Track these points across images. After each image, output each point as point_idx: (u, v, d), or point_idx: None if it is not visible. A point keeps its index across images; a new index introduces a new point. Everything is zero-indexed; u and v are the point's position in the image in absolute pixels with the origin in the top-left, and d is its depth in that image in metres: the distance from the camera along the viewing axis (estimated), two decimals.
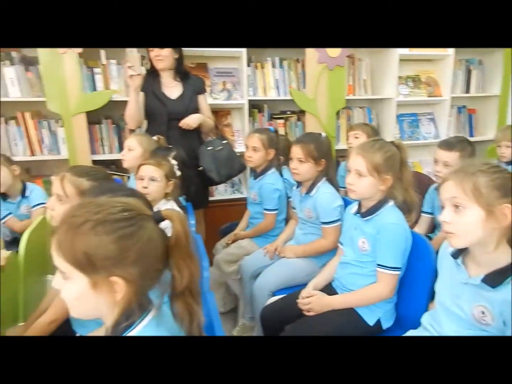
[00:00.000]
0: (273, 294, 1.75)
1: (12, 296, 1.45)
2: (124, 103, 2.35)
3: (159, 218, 0.72)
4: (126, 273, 0.66)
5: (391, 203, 1.39)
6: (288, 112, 2.98)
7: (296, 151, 1.73)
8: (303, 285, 1.58)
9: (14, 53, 2.38)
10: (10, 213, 2.00)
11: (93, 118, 2.55)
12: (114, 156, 2.60)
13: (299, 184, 1.87)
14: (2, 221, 1.91)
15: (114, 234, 0.65)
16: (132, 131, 2.49)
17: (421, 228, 1.94)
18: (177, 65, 2.20)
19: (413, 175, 1.46)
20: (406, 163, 1.44)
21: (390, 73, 2.98)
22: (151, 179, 1.65)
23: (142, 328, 0.69)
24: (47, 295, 1.46)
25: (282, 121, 2.94)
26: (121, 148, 2.58)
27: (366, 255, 1.40)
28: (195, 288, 0.74)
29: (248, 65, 2.72)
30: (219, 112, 2.87)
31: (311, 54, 2.70)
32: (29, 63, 2.43)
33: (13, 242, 1.82)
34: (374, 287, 1.37)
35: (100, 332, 1.18)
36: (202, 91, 2.33)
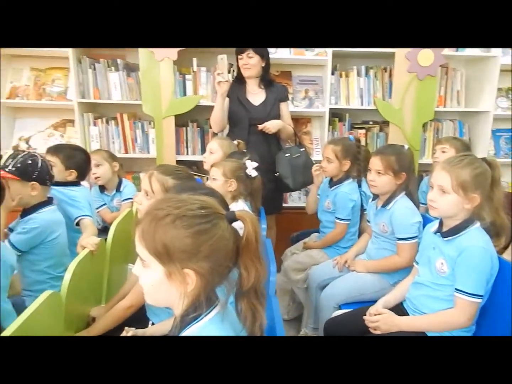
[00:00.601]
0: (339, 307, 1.71)
1: (97, 279, 1.61)
2: (209, 108, 2.48)
3: (232, 218, 0.75)
4: (198, 266, 0.70)
5: (477, 224, 1.28)
6: (370, 122, 2.89)
7: (375, 163, 1.68)
8: (371, 302, 1.52)
9: (119, 60, 2.65)
10: (104, 204, 2.22)
11: (181, 121, 2.73)
12: (196, 157, 2.75)
13: (375, 196, 1.80)
14: (97, 210, 2.12)
15: (191, 229, 0.69)
16: (215, 134, 2.62)
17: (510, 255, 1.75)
18: (263, 73, 2.27)
19: (506, 195, 1.34)
20: (499, 182, 1.32)
21: (489, 84, 2.74)
22: (212, 178, 1.72)
23: (207, 321, 0.73)
24: (127, 282, 1.59)
25: (363, 131, 2.86)
26: (203, 150, 2.72)
27: (444, 278, 1.30)
28: (260, 290, 0.76)
29: (332, 74, 2.70)
30: (299, 120, 2.88)
31: (401, 63, 2.60)
32: (131, 69, 2.68)
33: (102, 231, 2.01)
34: (450, 313, 1.27)
35: (170, 322, 1.26)
36: (285, 98, 2.37)
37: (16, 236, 1.42)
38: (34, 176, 1.45)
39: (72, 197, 1.75)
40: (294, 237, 2.42)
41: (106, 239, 1.63)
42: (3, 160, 1.45)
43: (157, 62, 2.50)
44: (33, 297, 1.48)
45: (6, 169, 1.40)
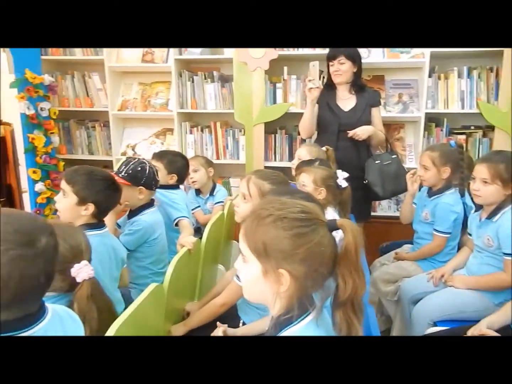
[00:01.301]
0: (434, 324, 1.59)
1: (192, 277, 1.72)
2: (298, 115, 2.51)
3: (332, 226, 0.75)
4: (293, 268, 0.72)
5: None
6: (472, 127, 2.67)
7: (481, 171, 1.54)
8: (471, 321, 1.40)
9: (215, 72, 2.81)
10: (198, 206, 2.37)
11: (270, 128, 2.80)
12: (284, 164, 2.79)
13: (478, 207, 1.66)
14: (192, 211, 2.27)
15: (290, 230, 0.72)
16: (303, 141, 2.64)
17: None
18: (354, 78, 2.23)
19: None
20: None
21: None
22: (302, 185, 1.71)
23: (303, 326, 0.74)
24: (220, 281, 1.68)
25: (463, 136, 2.64)
26: (290, 156, 2.76)
27: None
28: (357, 302, 0.75)
29: (430, 76, 2.55)
30: (391, 125, 2.77)
31: (510, 61, 2.36)
32: (225, 80, 2.83)
33: (195, 231, 2.15)
34: None
35: (261, 322, 1.31)
36: (376, 103, 2.30)
37: (124, 237, 1.58)
38: (142, 182, 1.61)
39: (173, 200, 1.90)
40: (384, 247, 2.32)
41: (200, 239, 1.73)
42: (117, 166, 1.63)
43: (250, 72, 2.61)
44: (137, 290, 1.64)
45: (120, 175, 1.58)
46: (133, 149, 3.00)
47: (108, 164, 3.04)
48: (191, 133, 2.92)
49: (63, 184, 1.33)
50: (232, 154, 2.90)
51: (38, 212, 2.57)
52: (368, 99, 2.27)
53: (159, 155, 2.01)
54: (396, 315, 1.95)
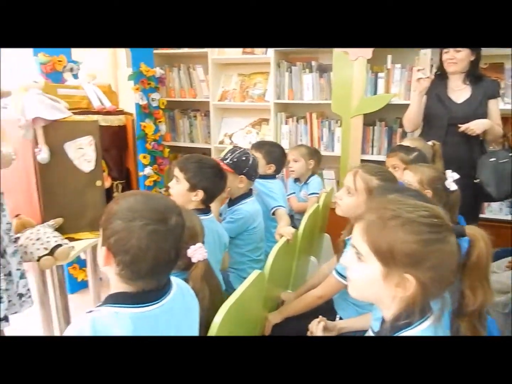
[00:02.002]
0: None
1: (287, 266, 1.75)
2: (400, 106, 2.38)
3: (461, 233, 0.71)
4: (420, 274, 0.69)
5: None
6: None
7: None
8: None
9: (314, 62, 2.78)
10: (293, 193, 2.39)
11: (369, 120, 2.70)
12: (381, 157, 2.67)
13: None
14: (288, 196, 2.30)
15: (420, 236, 0.69)
16: (404, 134, 2.50)
17: None
18: (471, 67, 2.04)
19: None
20: None
21: None
22: (407, 184, 1.61)
23: (421, 331, 0.71)
24: (316, 273, 1.68)
25: None
26: (389, 150, 2.63)
27: None
28: (483, 312, 0.71)
29: None
30: (509, 119, 2.48)
31: None
32: (323, 70, 2.78)
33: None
34: None
35: (361, 319, 1.28)
36: (495, 95, 2.08)
37: (226, 224, 1.65)
38: (245, 171, 1.66)
39: (270, 189, 1.94)
40: (493, 253, 2.11)
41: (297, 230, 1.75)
42: (223, 153, 1.71)
43: (350, 61, 2.53)
44: (235, 274, 1.72)
45: (225, 161, 1.65)
46: (230, 138, 3.11)
47: (206, 152, 3.21)
48: (286, 123, 2.94)
49: (176, 171, 1.43)
50: (327, 145, 2.86)
51: None
52: (486, 90, 2.06)
53: (257, 145, 2.06)
54: (505, 329, 1.77)
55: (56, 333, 1.80)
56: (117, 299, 0.78)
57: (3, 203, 1.28)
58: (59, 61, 2.06)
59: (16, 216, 1.53)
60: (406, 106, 2.22)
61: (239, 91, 3.05)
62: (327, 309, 1.41)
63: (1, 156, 1.19)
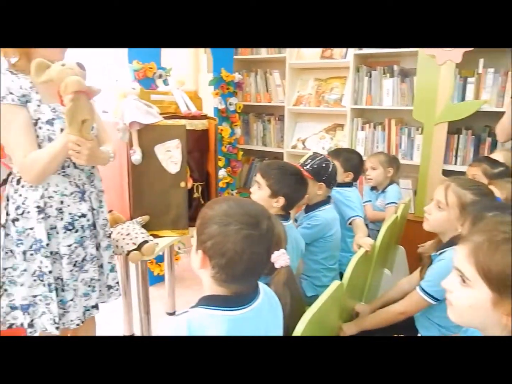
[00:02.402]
0: None
1: (362, 278, 1.70)
2: (490, 114, 2.21)
3: None
4: None
5: None
6: None
7: None
8: None
9: (395, 66, 2.68)
10: (369, 201, 2.32)
11: (453, 127, 2.54)
12: (465, 168, 2.49)
13: None
14: (364, 204, 2.24)
15: None
16: (493, 145, 2.31)
17: None
18: None
19: None
20: None
21: None
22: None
23: None
24: (394, 287, 1.62)
25: None
26: None
27: None
28: None
29: None
30: None
31: None
32: (405, 75, 2.67)
33: None
34: None
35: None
36: None
37: (302, 230, 1.65)
38: (324, 178, 1.64)
39: (348, 198, 1.90)
40: None
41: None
42: (303, 159, 1.71)
43: (437, 65, 2.39)
44: (308, 282, 1.71)
45: (305, 167, 1.65)
46: (303, 143, 3.11)
47: (278, 156, 3.23)
48: (362, 129, 2.86)
49: (258, 177, 1.45)
50: (405, 153, 2.74)
51: (219, 195, 2.92)
52: None
53: (335, 153, 2.03)
54: None
55: (135, 321, 1.93)
56: (211, 302, 0.81)
57: (103, 200, 1.40)
58: (150, 68, 2.20)
59: (109, 212, 1.66)
60: (497, 114, 2.06)
61: (314, 95, 3.03)
62: (407, 326, 1.35)
63: (101, 153, 1.29)
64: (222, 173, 2.88)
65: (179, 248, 2.62)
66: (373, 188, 2.33)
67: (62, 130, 1.19)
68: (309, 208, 1.73)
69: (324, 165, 1.65)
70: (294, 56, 3.01)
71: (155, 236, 1.68)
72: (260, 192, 1.44)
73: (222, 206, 0.83)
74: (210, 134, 1.90)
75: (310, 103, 3.03)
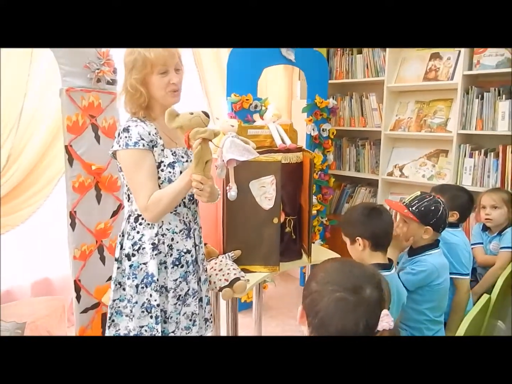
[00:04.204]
0: None
1: (474, 332, 1.49)
2: None
3: None
4: None
5: None
6: None
7: None
8: None
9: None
10: (481, 243, 2.06)
11: None
12: None
13: None
14: (472, 246, 1.99)
15: None
16: None
17: None
18: None
19: None
20: None
21: None
22: None
23: None
24: None
25: None
26: None
27: None
28: None
29: None
30: None
31: None
32: None
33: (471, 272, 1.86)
34: None
35: None
36: None
37: (406, 276, 1.50)
38: (432, 222, 1.49)
39: (451, 244, 1.70)
40: None
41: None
42: (409, 198, 1.57)
43: None
44: (408, 333, 1.55)
45: (410, 209, 1.51)
46: (400, 170, 2.90)
47: (372, 183, 3.07)
48: (471, 156, 2.57)
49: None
50: None
51: None
52: None
53: (440, 189, 1.84)
54: None
55: None
56: None
57: (201, 236, 1.44)
58: (247, 99, 2.25)
59: (204, 244, 1.71)
60: None
61: (415, 119, 2.82)
62: None
63: (216, 191, 1.33)
64: (313, 200, 2.81)
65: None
66: (485, 228, 2.06)
67: (180, 172, 1.26)
68: (414, 252, 1.57)
69: (433, 208, 1.49)
70: (393, 78, 2.84)
71: (246, 270, 1.67)
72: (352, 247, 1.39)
73: (326, 264, 0.84)
74: (304, 167, 1.85)
75: (410, 128, 2.83)
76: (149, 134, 1.24)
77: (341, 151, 3.24)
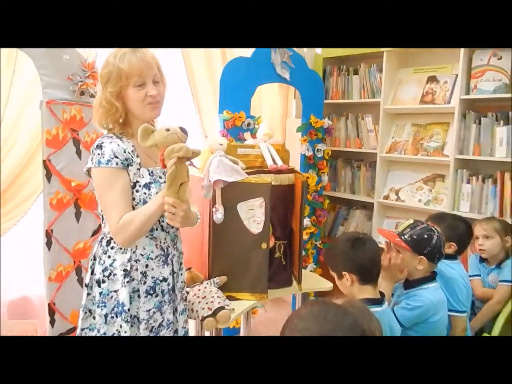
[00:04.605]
0: None
1: None
2: None
3: None
4: None
5: None
6: None
7: None
8: None
9: (511, 113, 2.34)
10: (478, 275, 1.98)
11: None
12: None
13: None
14: (470, 278, 1.90)
15: None
16: None
17: None
18: None
19: None
20: None
21: None
22: None
23: None
24: None
25: None
26: None
27: None
28: None
29: None
30: None
31: None
32: None
33: None
34: None
35: None
36: None
37: (401, 311, 1.41)
38: (426, 251, 1.41)
39: (448, 277, 1.62)
40: None
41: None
42: (402, 227, 1.49)
43: None
44: None
45: (402, 237, 1.44)
46: (396, 194, 2.83)
47: (367, 205, 2.99)
48: (468, 182, 2.51)
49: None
50: None
51: None
52: None
53: (437, 218, 1.76)
54: None
55: None
56: None
57: (182, 262, 1.35)
58: (239, 117, 2.18)
59: (188, 269, 1.61)
60: None
61: (411, 142, 2.77)
62: None
63: (192, 214, 1.25)
64: (305, 222, 2.73)
65: None
66: (482, 260, 1.98)
67: (157, 193, 1.18)
68: (409, 284, 1.49)
69: (426, 236, 1.42)
70: (389, 100, 2.80)
71: (232, 298, 1.58)
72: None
73: (304, 311, 0.76)
74: (296, 189, 1.77)
75: (406, 151, 2.77)
76: (125, 151, 1.16)
77: (336, 172, 3.17)
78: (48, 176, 1.50)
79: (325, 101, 2.92)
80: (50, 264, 1.57)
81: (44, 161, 1.50)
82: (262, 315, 2.59)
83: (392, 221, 2.84)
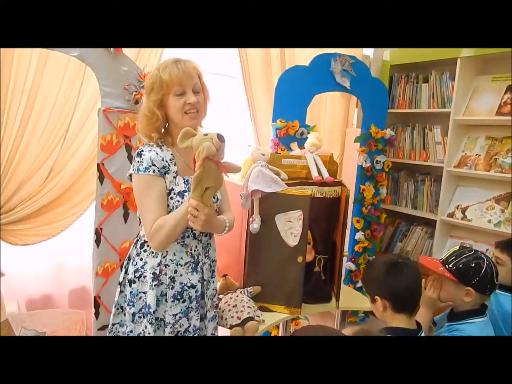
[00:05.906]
0: None
1: None
2: None
3: None
4: None
5: None
6: None
7: None
8: None
9: None
10: None
11: None
12: None
13: None
14: None
15: None
16: None
17: None
18: None
19: None
20: None
21: None
22: None
23: None
24: None
25: None
26: None
27: None
28: None
29: None
30: None
31: None
32: None
33: None
34: None
35: None
36: None
37: None
38: (474, 282, 1.27)
39: (504, 309, 1.44)
40: None
41: None
42: (446, 254, 1.37)
43: None
44: None
45: (446, 266, 1.31)
46: (463, 212, 2.60)
47: (430, 222, 2.78)
48: None
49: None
50: None
51: (352, 260, 2.65)
52: None
53: (504, 245, 1.58)
54: None
55: None
56: None
57: (215, 270, 1.37)
58: (293, 126, 2.16)
59: (224, 276, 1.63)
60: None
61: (484, 157, 2.52)
62: None
63: (217, 221, 1.26)
64: (359, 236, 2.62)
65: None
66: None
67: None
68: (453, 317, 1.36)
69: (473, 265, 1.28)
70: (462, 111, 2.58)
71: (265, 309, 1.57)
72: None
73: (302, 331, 0.80)
74: (341, 203, 1.71)
75: (477, 166, 2.53)
76: (163, 160, 1.21)
77: (398, 185, 3.00)
78: (101, 178, 1.63)
79: (390, 110, 2.78)
80: (98, 260, 1.69)
81: (98, 165, 1.62)
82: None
83: (456, 241, 2.61)
